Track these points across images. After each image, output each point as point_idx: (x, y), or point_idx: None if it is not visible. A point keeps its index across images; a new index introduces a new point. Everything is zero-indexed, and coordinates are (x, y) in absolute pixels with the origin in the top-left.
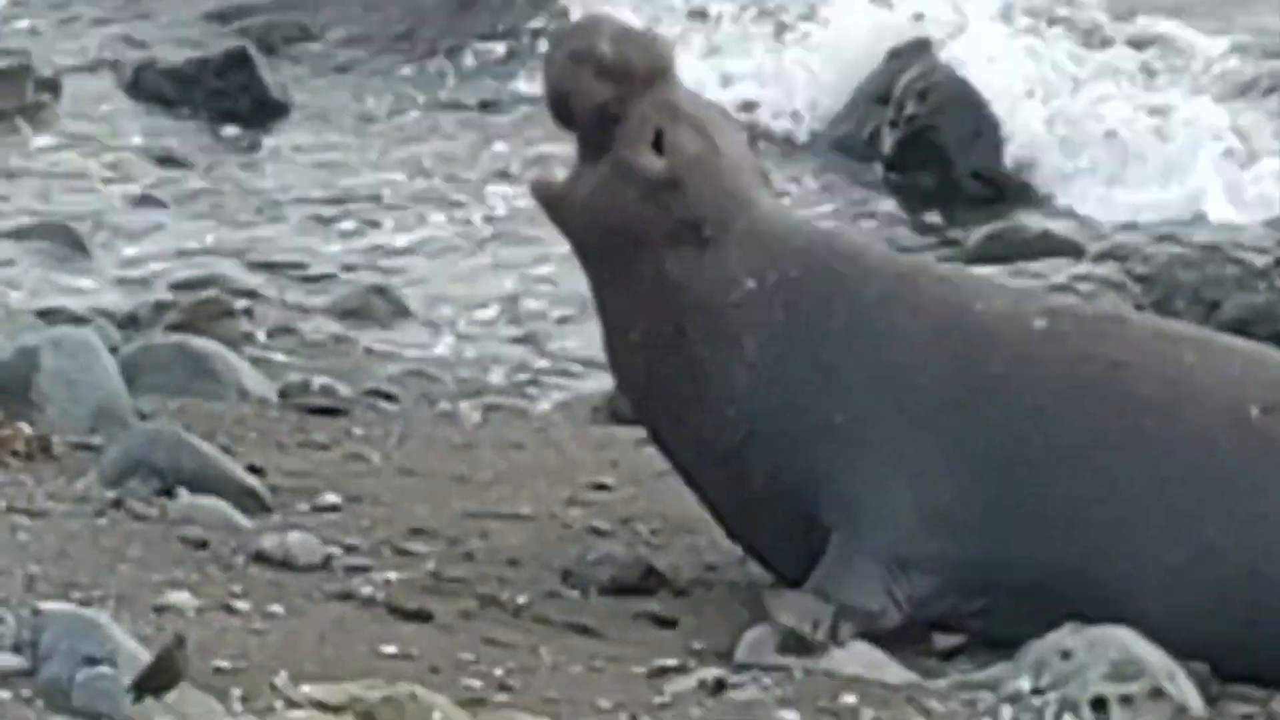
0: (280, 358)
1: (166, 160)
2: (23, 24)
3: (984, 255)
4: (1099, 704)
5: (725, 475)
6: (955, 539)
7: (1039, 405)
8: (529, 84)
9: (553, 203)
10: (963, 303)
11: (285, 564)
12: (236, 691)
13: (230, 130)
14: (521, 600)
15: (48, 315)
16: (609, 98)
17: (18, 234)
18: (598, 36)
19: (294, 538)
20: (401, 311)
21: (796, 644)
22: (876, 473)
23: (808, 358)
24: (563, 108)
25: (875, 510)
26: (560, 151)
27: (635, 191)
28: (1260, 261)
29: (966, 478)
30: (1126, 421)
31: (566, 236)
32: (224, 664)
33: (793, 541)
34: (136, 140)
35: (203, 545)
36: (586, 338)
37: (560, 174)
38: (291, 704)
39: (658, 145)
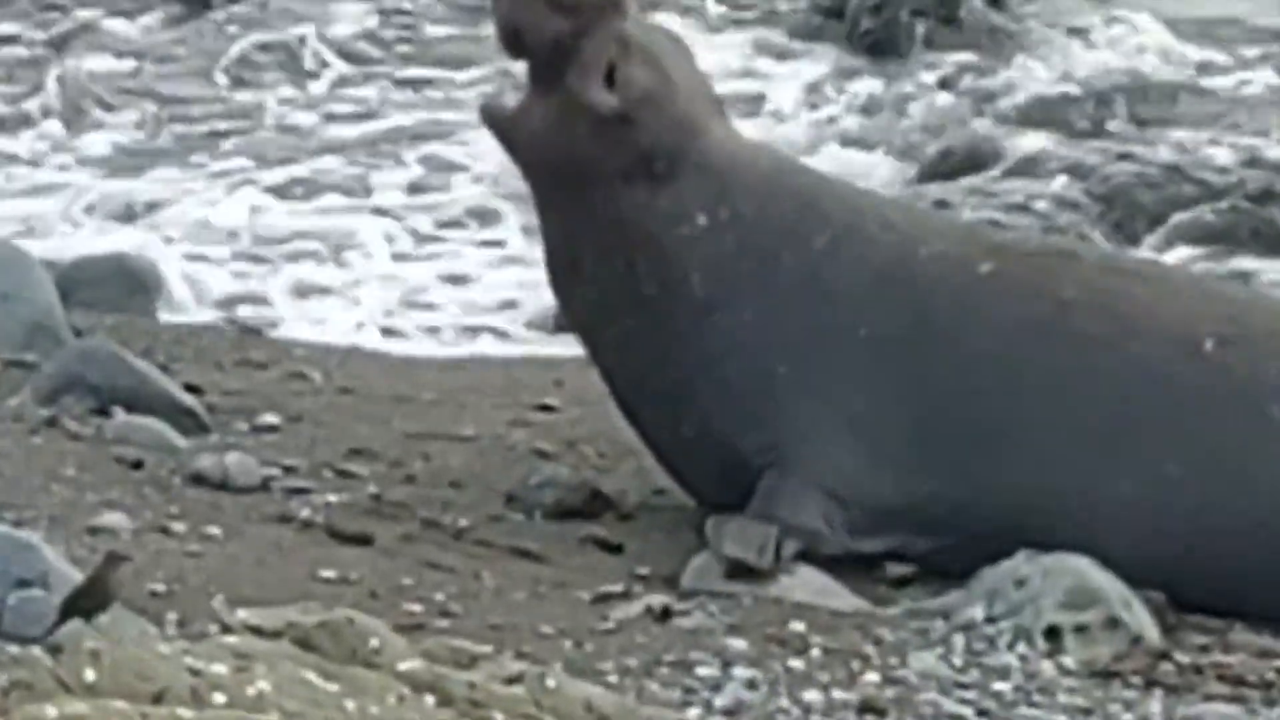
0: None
1: None
2: None
3: None
4: (1053, 633)
5: (661, 414)
6: (899, 481)
7: (989, 350)
8: None
9: (503, 128)
10: (908, 249)
11: (223, 485)
12: (172, 615)
13: None
14: (464, 524)
15: None
16: (562, 30)
17: None
18: None
19: (232, 459)
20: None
21: (744, 570)
22: (816, 419)
23: (754, 303)
24: (515, 40)
25: (811, 449)
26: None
27: (586, 127)
28: (1221, 182)
29: (914, 423)
30: (1078, 360)
31: (515, 161)
32: (159, 587)
33: (723, 482)
34: None
35: (138, 465)
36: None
37: (511, 100)
38: (227, 629)
39: (610, 79)
